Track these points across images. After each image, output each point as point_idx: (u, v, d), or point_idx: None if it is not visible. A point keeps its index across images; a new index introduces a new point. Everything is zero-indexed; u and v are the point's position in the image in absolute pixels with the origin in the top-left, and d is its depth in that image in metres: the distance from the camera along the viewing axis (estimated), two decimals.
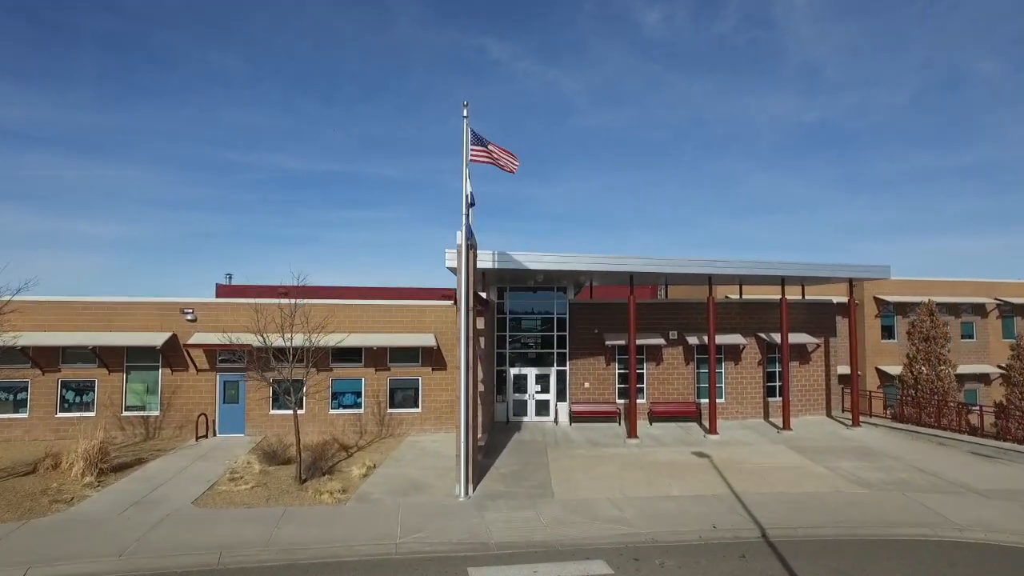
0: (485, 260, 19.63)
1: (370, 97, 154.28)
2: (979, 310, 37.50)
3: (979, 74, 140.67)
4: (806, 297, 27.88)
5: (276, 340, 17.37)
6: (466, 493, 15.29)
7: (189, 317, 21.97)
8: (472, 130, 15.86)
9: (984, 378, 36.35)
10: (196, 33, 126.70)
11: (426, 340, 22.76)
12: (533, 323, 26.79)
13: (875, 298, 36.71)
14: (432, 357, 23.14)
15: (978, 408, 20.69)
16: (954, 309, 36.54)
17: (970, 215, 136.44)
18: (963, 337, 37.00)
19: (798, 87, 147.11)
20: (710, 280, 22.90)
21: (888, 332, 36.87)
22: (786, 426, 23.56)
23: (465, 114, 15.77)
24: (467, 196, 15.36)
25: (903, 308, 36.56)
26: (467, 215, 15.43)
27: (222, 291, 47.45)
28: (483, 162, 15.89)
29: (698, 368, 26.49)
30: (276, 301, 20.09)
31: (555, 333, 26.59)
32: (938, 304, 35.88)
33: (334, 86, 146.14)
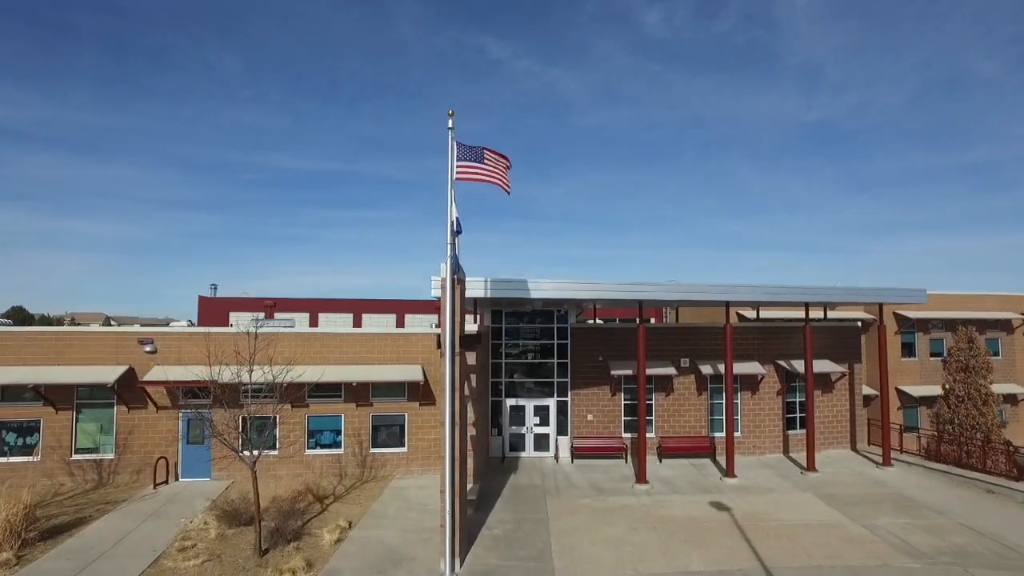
0: (476, 288, 17.40)
1: (370, 97, 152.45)
2: (1005, 326, 35.26)
3: (979, 74, 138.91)
4: (828, 318, 25.61)
5: (243, 376, 15.07)
6: (452, 570, 13.04)
7: (148, 349, 19.70)
8: (459, 143, 13.62)
9: (1011, 399, 34.09)
10: (196, 34, 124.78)
11: (412, 373, 20.49)
12: (531, 349, 24.53)
13: (895, 314, 34.59)
14: (419, 391, 20.87)
15: None
16: (978, 325, 34.32)
17: (969, 214, 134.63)
18: (988, 355, 34.78)
19: (798, 87, 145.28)
20: (727, 306, 20.64)
21: (908, 350, 34.66)
22: (810, 467, 21.28)
23: (450, 124, 13.52)
24: (452, 223, 13.11)
25: (924, 324, 34.36)
26: (452, 244, 13.17)
27: (204, 304, 45.21)
28: (472, 179, 13.64)
29: (711, 399, 24.23)
30: (246, 324, 17.84)
31: (555, 360, 24.32)
32: (961, 320, 33.63)
33: (334, 85, 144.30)
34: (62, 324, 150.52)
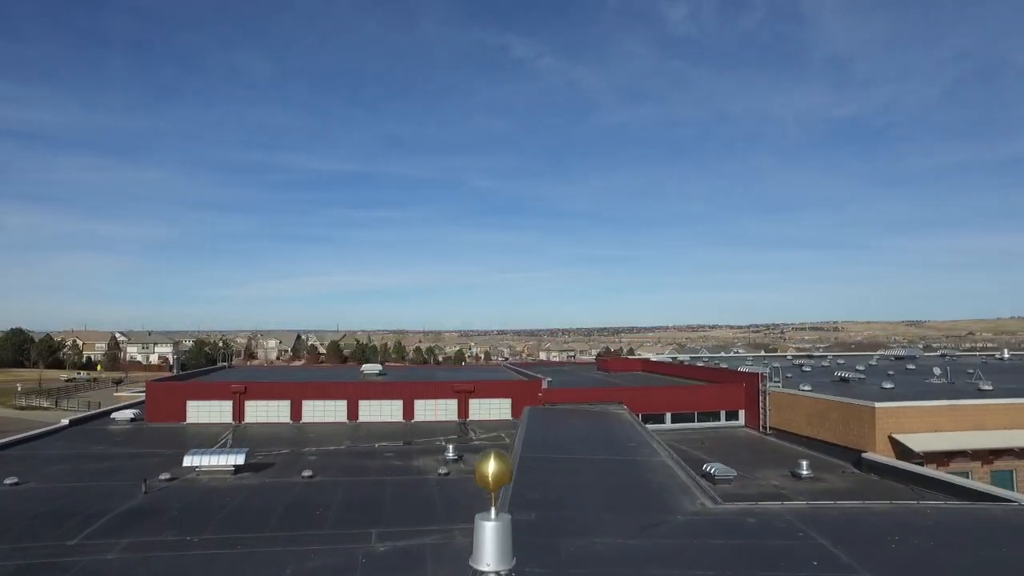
0: None
1: (394, 97, 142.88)
2: None
3: (1016, 65, 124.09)
4: None
5: None
6: None
7: None
8: None
9: None
10: (223, 37, 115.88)
11: None
12: None
13: None
14: None
15: None
16: None
17: (1004, 210, 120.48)
18: None
19: (827, 82, 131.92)
20: None
21: None
22: None
23: None
24: None
25: None
26: None
27: (155, 394, 34.80)
28: None
29: None
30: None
31: None
32: None
33: (358, 85, 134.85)
34: (64, 346, 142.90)
